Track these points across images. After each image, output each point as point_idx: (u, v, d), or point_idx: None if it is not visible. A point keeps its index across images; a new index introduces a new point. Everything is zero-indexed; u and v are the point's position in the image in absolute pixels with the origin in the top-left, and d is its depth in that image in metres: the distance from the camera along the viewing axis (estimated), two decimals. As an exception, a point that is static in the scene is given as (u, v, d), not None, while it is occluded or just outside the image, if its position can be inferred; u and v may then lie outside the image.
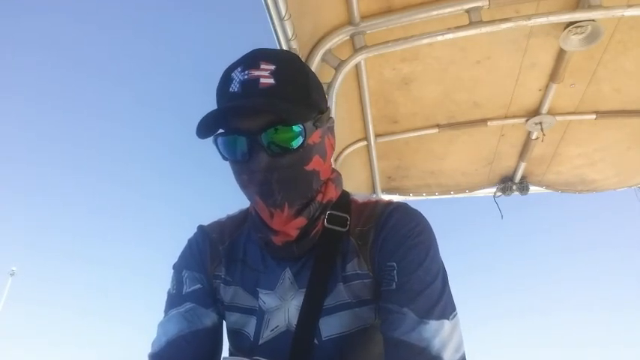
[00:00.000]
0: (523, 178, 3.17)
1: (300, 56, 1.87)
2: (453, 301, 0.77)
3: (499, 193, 3.23)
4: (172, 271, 0.93)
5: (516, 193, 3.20)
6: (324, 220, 0.84)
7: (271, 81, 0.74)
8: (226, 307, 0.89)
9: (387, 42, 1.95)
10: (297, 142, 0.76)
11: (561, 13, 1.85)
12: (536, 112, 2.60)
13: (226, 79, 0.77)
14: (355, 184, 3.07)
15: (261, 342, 0.83)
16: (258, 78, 0.74)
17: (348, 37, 2.02)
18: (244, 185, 0.80)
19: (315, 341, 0.79)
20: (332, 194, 0.86)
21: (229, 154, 0.78)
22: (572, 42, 2.03)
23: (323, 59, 2.03)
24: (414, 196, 3.34)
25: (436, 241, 0.83)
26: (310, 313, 0.79)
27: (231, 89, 0.75)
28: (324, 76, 2.04)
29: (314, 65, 2.01)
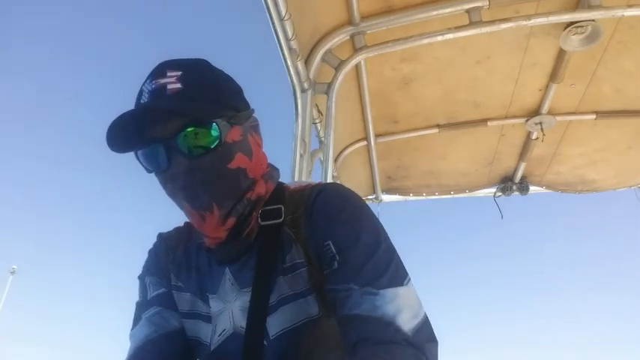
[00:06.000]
0: (523, 178, 3.17)
1: (300, 56, 1.87)
2: (404, 268, 0.74)
3: (499, 193, 3.24)
4: (138, 281, 0.92)
5: (516, 193, 3.21)
6: (257, 218, 0.82)
7: (178, 85, 0.73)
8: (182, 315, 0.87)
9: (387, 42, 1.95)
10: (213, 142, 0.75)
11: (561, 13, 1.85)
12: (536, 112, 2.61)
13: (139, 93, 0.76)
14: (355, 184, 3.07)
15: (212, 348, 0.81)
16: (165, 85, 0.73)
17: (348, 37, 2.02)
18: (172, 194, 0.78)
19: (265, 342, 0.76)
20: (261, 190, 0.83)
21: (152, 165, 0.77)
22: (572, 42, 2.04)
23: (323, 59, 2.03)
24: (414, 196, 3.35)
25: (370, 213, 0.80)
26: (257, 313, 0.77)
27: (141, 101, 0.75)
28: (324, 76, 2.05)
29: (314, 65, 2.01)
